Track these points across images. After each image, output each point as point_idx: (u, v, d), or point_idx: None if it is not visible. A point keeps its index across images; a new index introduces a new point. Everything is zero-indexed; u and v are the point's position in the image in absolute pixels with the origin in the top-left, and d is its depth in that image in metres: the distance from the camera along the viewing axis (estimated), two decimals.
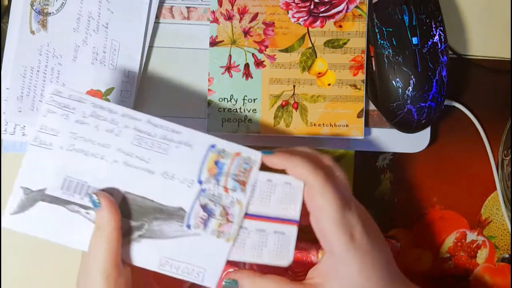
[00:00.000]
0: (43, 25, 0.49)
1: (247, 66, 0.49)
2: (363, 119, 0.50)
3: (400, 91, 0.47)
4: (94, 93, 0.49)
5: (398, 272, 0.40)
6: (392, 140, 0.51)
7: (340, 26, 0.49)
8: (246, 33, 0.49)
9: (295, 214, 0.39)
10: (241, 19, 0.49)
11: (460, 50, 0.52)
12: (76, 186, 0.38)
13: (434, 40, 0.47)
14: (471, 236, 0.52)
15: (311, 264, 0.41)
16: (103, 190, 0.38)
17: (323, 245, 0.38)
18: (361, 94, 0.49)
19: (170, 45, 0.50)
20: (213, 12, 0.49)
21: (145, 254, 0.39)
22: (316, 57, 0.49)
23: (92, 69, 0.49)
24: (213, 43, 0.49)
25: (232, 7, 0.49)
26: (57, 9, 0.49)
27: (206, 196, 0.39)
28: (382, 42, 0.47)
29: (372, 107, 0.51)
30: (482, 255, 0.52)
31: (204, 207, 0.39)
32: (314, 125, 0.49)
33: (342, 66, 0.49)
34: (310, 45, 0.49)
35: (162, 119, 0.39)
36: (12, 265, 0.50)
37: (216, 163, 0.39)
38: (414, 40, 0.46)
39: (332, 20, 0.49)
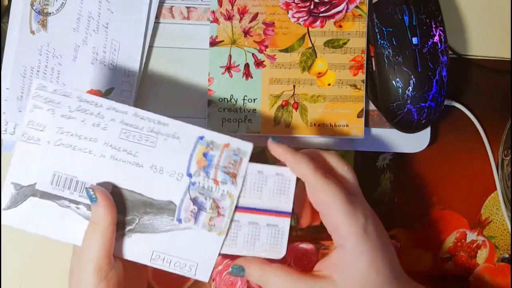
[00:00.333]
0: (43, 25, 0.49)
1: (247, 66, 0.49)
2: (363, 119, 0.50)
3: (400, 91, 0.47)
4: (94, 93, 0.49)
5: (402, 271, 0.40)
6: (392, 140, 0.51)
7: (340, 26, 0.49)
8: (246, 33, 0.49)
9: (288, 205, 0.39)
10: (241, 19, 0.49)
11: (460, 50, 0.52)
12: (65, 181, 0.38)
13: (434, 40, 0.47)
14: (471, 236, 0.52)
15: (311, 264, 0.41)
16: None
17: (335, 239, 0.38)
18: (361, 94, 0.49)
19: (170, 45, 0.50)
20: (213, 12, 0.49)
21: (137, 248, 0.39)
22: (316, 57, 0.49)
23: (92, 69, 0.49)
24: (213, 43, 0.49)
25: (232, 7, 0.49)
26: (57, 9, 0.49)
27: (196, 189, 0.38)
28: (382, 42, 0.47)
29: (372, 107, 0.51)
30: (482, 255, 0.52)
31: (194, 201, 0.38)
32: (314, 125, 0.49)
33: (342, 66, 0.49)
34: (310, 45, 0.49)
35: (149, 112, 0.38)
36: (12, 264, 0.50)
37: (205, 155, 0.38)
38: (414, 40, 0.46)
39: (332, 20, 0.49)
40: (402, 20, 0.47)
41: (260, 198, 0.39)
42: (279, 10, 0.49)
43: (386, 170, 0.52)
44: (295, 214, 0.40)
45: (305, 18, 0.49)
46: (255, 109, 0.49)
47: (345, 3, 0.49)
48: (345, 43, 0.49)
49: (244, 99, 0.49)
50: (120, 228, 0.38)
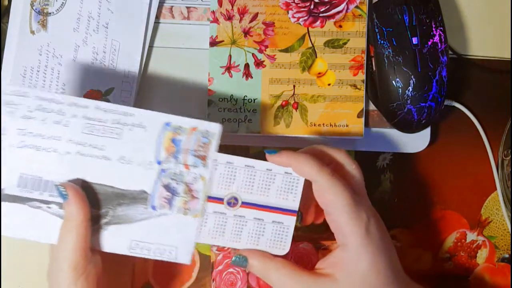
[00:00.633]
0: (43, 25, 0.49)
1: (247, 66, 0.49)
2: (363, 119, 0.50)
3: (400, 91, 0.47)
4: (94, 93, 0.49)
5: (403, 272, 0.40)
6: (392, 140, 0.51)
7: (340, 26, 0.49)
8: (246, 33, 0.49)
9: (295, 204, 0.39)
10: (241, 19, 0.49)
11: (460, 50, 0.52)
12: (33, 182, 0.38)
13: (434, 40, 0.47)
14: (471, 236, 0.52)
15: (311, 264, 0.41)
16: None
17: (338, 238, 0.38)
18: (361, 94, 0.49)
19: (170, 45, 0.50)
20: (213, 12, 0.49)
21: (114, 240, 0.39)
22: (316, 57, 0.49)
23: (92, 69, 0.49)
24: (213, 43, 0.49)
25: (232, 7, 0.49)
26: (57, 9, 0.49)
27: (167, 175, 0.39)
28: (382, 42, 0.47)
29: (372, 107, 0.51)
30: (482, 255, 0.52)
31: (167, 187, 0.39)
32: (314, 125, 0.49)
33: (342, 66, 0.49)
34: (310, 45, 0.49)
35: (112, 103, 0.38)
36: (12, 265, 0.50)
37: (173, 140, 0.38)
38: (414, 40, 0.46)
39: (332, 20, 0.49)
40: (402, 20, 0.47)
41: (267, 195, 0.39)
42: (279, 10, 0.49)
43: (386, 170, 0.52)
44: (300, 211, 0.40)
45: (305, 18, 0.49)
46: (255, 109, 0.49)
47: (345, 3, 0.49)
48: (345, 43, 0.49)
49: (244, 99, 0.49)
50: (95, 222, 0.38)
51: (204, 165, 0.39)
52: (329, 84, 0.49)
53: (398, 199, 0.52)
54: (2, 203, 0.38)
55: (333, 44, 0.49)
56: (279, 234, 0.39)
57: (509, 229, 0.52)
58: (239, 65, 0.49)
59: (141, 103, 0.50)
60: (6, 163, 0.38)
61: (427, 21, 0.47)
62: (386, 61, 0.47)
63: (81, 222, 0.37)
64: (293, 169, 0.39)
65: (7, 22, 0.49)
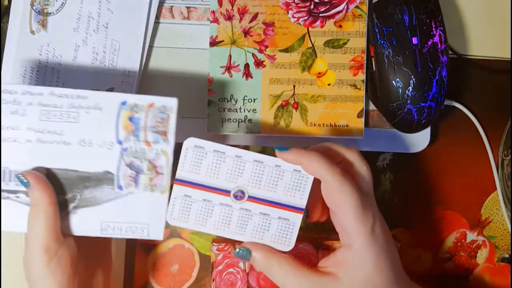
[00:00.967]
0: (43, 25, 0.49)
1: (247, 66, 0.49)
2: (363, 119, 0.50)
3: (400, 91, 0.47)
4: None
5: (404, 272, 0.40)
6: (392, 140, 0.51)
7: (340, 26, 0.49)
8: (246, 33, 0.49)
9: (302, 202, 0.39)
10: (241, 19, 0.49)
11: (460, 50, 0.52)
12: None
13: (434, 40, 0.47)
14: (471, 236, 0.52)
15: (311, 264, 0.41)
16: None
17: (342, 238, 0.38)
18: (361, 94, 0.49)
19: (170, 45, 0.50)
20: (213, 12, 0.49)
21: (85, 223, 0.39)
22: (316, 57, 0.49)
23: (92, 69, 0.49)
24: (213, 43, 0.49)
25: (232, 7, 0.49)
26: (57, 9, 0.49)
27: (129, 154, 0.39)
28: (382, 42, 0.47)
29: (372, 107, 0.51)
30: (482, 255, 0.52)
31: (131, 165, 0.39)
32: (314, 125, 0.49)
33: (342, 66, 0.49)
34: (310, 45, 0.49)
35: (65, 88, 0.39)
36: (12, 265, 0.50)
37: (131, 119, 0.39)
38: (414, 40, 0.46)
39: (332, 20, 0.49)
40: (402, 20, 0.47)
41: (275, 191, 0.39)
42: (279, 10, 0.49)
43: (386, 170, 0.52)
44: (306, 208, 0.40)
45: (305, 18, 0.49)
46: (255, 109, 0.49)
47: (345, 3, 0.49)
48: (345, 43, 0.49)
49: (244, 99, 0.49)
50: (64, 207, 0.39)
51: (165, 140, 0.39)
52: (329, 84, 0.49)
53: (398, 199, 0.52)
54: None
55: (333, 44, 0.49)
56: (284, 230, 0.39)
57: (509, 229, 0.52)
58: (239, 65, 0.49)
59: None
60: None
61: (427, 21, 0.47)
62: (386, 61, 0.47)
63: (47, 206, 0.37)
64: (302, 167, 0.39)
65: (7, 22, 0.49)
